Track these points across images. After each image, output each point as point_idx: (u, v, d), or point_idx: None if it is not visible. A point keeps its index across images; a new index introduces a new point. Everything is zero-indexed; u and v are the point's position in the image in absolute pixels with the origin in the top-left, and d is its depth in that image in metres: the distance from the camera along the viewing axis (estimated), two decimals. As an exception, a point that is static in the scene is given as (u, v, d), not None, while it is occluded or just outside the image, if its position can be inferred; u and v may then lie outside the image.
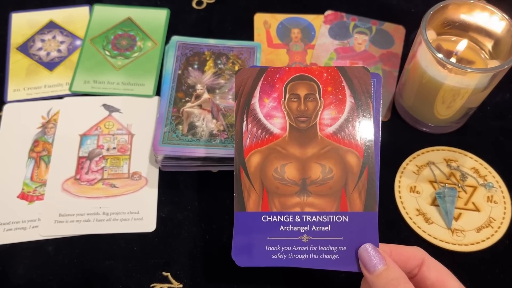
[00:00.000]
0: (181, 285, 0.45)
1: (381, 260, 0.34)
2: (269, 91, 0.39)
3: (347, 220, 0.36)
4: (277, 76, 0.39)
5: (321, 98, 0.38)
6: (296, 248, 0.36)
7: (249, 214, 0.37)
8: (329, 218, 0.36)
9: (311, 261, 0.36)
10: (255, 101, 0.38)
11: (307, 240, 0.36)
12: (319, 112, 0.38)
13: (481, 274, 0.45)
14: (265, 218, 0.37)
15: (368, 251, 0.35)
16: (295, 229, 0.36)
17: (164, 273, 0.45)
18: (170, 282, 0.45)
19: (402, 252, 0.36)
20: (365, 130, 0.37)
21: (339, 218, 0.36)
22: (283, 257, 0.36)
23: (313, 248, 0.36)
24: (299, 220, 0.37)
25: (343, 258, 0.36)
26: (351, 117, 0.38)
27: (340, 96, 0.38)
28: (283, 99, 0.38)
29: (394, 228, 0.47)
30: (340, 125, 0.38)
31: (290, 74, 0.39)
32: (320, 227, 0.36)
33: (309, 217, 0.36)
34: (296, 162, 0.37)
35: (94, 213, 0.48)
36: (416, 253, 0.36)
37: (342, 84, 0.38)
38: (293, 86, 0.39)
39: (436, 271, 0.35)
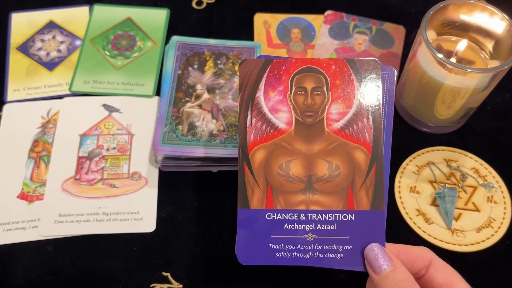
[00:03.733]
0: (181, 285, 0.45)
1: (387, 260, 0.33)
2: (275, 84, 0.37)
3: (353, 218, 0.35)
4: (283, 68, 0.37)
5: (329, 92, 0.37)
6: (300, 246, 0.35)
7: (253, 211, 0.36)
8: (335, 216, 0.35)
9: (316, 260, 0.35)
10: (260, 94, 0.37)
11: (312, 239, 0.35)
12: (327, 107, 0.36)
13: (481, 274, 0.45)
14: (269, 216, 0.36)
15: (375, 251, 0.34)
16: (300, 227, 0.35)
17: (164, 273, 0.45)
18: (170, 282, 0.45)
19: (410, 252, 0.35)
20: (374, 126, 0.36)
21: (345, 217, 0.35)
22: (287, 255, 0.35)
23: (318, 247, 0.35)
24: (304, 218, 0.35)
25: (348, 258, 0.35)
26: (360, 112, 0.36)
27: (348, 90, 0.36)
28: (289, 92, 0.37)
29: (394, 228, 0.47)
30: (348, 120, 0.36)
31: (297, 66, 0.37)
32: (325, 226, 0.35)
33: (314, 215, 0.35)
34: (302, 158, 0.36)
35: (94, 213, 0.48)
36: (423, 253, 0.35)
37: (351, 77, 0.37)
38: (299, 78, 0.37)
39: (443, 272, 0.34)
